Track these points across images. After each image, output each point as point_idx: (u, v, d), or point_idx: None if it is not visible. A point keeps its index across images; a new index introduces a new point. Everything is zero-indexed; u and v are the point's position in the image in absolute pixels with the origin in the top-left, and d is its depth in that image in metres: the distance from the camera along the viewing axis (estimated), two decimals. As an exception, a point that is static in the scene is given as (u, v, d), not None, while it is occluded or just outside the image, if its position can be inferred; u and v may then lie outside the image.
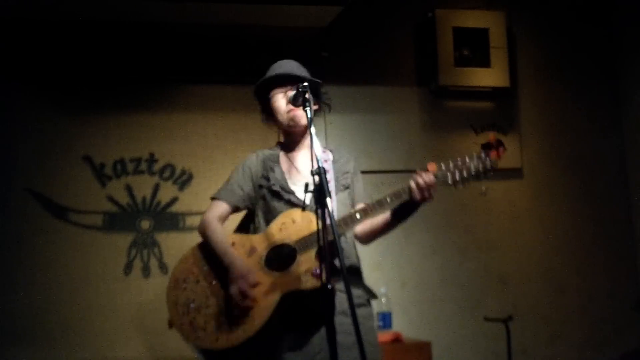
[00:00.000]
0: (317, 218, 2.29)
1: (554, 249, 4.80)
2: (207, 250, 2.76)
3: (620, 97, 5.01)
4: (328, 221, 2.29)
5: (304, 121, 2.72)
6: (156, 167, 4.25)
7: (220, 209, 2.82)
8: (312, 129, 2.43)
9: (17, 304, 3.95)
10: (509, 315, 4.24)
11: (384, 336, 4.20)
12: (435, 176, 2.58)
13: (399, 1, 4.70)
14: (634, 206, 4.92)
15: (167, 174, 4.25)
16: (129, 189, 4.20)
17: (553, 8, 4.99)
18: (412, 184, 2.60)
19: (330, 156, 2.86)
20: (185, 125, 4.30)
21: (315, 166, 2.34)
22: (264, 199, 2.79)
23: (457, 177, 2.56)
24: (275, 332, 2.61)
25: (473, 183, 2.57)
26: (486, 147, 2.61)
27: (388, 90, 4.64)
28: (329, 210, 2.28)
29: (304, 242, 2.63)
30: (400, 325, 4.37)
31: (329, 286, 2.25)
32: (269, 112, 2.85)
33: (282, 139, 2.95)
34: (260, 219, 2.80)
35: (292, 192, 2.74)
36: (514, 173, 4.78)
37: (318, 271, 2.50)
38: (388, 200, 2.64)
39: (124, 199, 4.18)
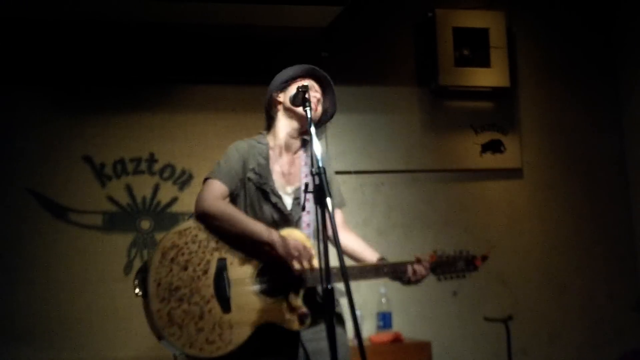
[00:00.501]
0: (318, 239, 2.32)
1: (554, 249, 4.80)
2: (206, 234, 2.59)
3: (620, 97, 5.02)
4: (329, 222, 2.29)
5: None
6: (156, 167, 4.25)
7: (221, 190, 2.62)
8: (312, 129, 2.43)
9: (17, 304, 3.95)
10: (509, 315, 4.23)
11: (384, 336, 4.20)
12: (432, 268, 2.88)
13: (399, 1, 4.70)
14: (634, 206, 4.93)
15: (167, 174, 4.25)
16: (129, 189, 4.20)
17: (553, 8, 4.99)
18: (410, 272, 2.81)
19: (307, 167, 2.79)
20: (185, 125, 4.29)
21: (315, 166, 2.33)
22: (246, 193, 2.69)
23: (444, 271, 2.93)
24: (251, 348, 2.56)
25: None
26: (472, 260, 2.96)
27: (388, 90, 4.64)
28: (329, 211, 2.28)
29: (299, 278, 2.59)
30: (400, 325, 4.37)
31: (329, 286, 2.25)
32: (274, 97, 2.79)
33: (270, 132, 2.83)
34: (243, 211, 2.70)
35: (280, 197, 2.69)
36: (514, 173, 4.79)
37: (303, 317, 2.55)
38: (385, 270, 2.79)
39: (124, 199, 4.18)
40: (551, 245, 4.80)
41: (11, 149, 4.07)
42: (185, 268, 2.55)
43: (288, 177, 2.75)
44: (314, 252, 2.58)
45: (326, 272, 2.27)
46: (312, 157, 2.38)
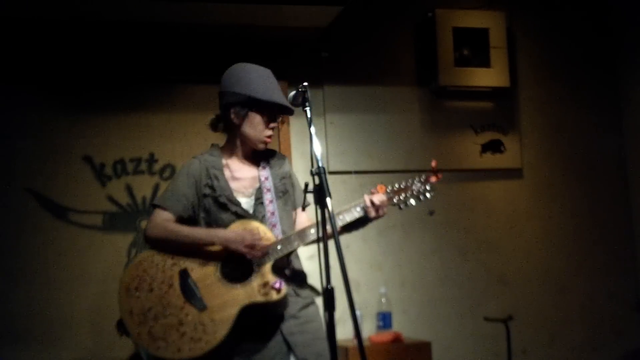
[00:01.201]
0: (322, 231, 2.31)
1: (554, 249, 4.80)
2: (160, 257, 2.72)
3: (620, 97, 5.02)
4: (329, 224, 2.29)
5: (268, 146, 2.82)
6: (156, 167, 4.25)
7: (164, 217, 2.74)
8: (312, 129, 2.43)
9: (17, 304, 3.95)
10: (509, 315, 4.24)
11: (384, 336, 4.20)
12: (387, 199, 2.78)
13: (399, 1, 4.70)
14: (634, 206, 4.93)
15: (167, 174, 4.25)
16: (129, 189, 4.20)
17: (553, 8, 4.99)
18: (368, 202, 2.74)
19: (265, 161, 2.86)
20: (185, 125, 4.29)
21: (315, 166, 2.35)
22: (206, 209, 2.76)
23: (402, 197, 2.82)
24: (233, 341, 2.62)
25: (416, 204, 2.84)
26: (426, 179, 2.85)
27: (388, 90, 4.63)
28: (329, 211, 2.29)
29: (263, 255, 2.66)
30: (400, 325, 4.37)
31: (329, 287, 2.26)
32: (232, 117, 2.79)
33: (223, 144, 2.91)
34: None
35: (238, 204, 2.74)
36: (514, 173, 4.79)
37: (277, 285, 2.61)
38: (341, 218, 2.74)
39: (124, 199, 4.18)
40: (551, 245, 4.80)
41: (11, 149, 4.07)
42: (151, 290, 2.69)
43: (245, 180, 2.81)
44: (261, 233, 2.65)
45: (326, 273, 2.28)
46: (312, 157, 2.39)
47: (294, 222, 2.87)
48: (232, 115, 2.79)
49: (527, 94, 4.89)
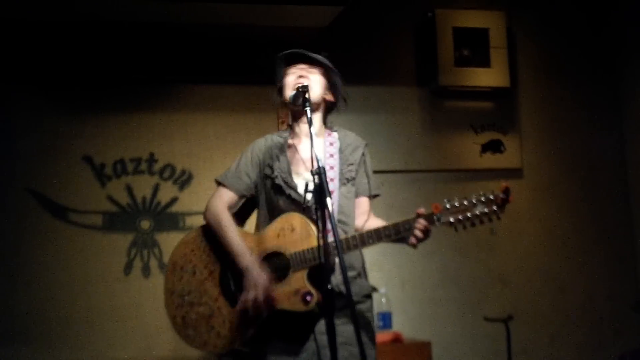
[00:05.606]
0: (318, 232, 2.29)
1: (554, 249, 4.80)
2: (209, 239, 2.68)
3: (620, 97, 5.01)
4: (328, 224, 2.28)
5: (311, 94, 2.58)
6: (156, 167, 4.25)
7: (227, 197, 2.69)
8: (313, 130, 2.42)
9: (17, 304, 3.96)
10: (509, 315, 4.24)
11: (384, 336, 4.20)
12: (438, 219, 2.53)
13: (399, 1, 4.70)
14: (634, 206, 4.92)
15: (167, 174, 4.26)
16: (129, 189, 4.20)
17: (553, 8, 4.99)
18: (416, 226, 2.57)
19: (337, 144, 2.74)
20: (185, 125, 4.29)
21: (316, 166, 2.32)
22: (266, 191, 2.69)
23: (460, 218, 2.51)
24: (260, 342, 2.59)
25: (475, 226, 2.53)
26: (493, 199, 2.51)
27: (388, 90, 4.63)
28: (329, 211, 2.27)
29: (299, 259, 2.54)
30: (400, 325, 4.37)
31: (329, 287, 2.25)
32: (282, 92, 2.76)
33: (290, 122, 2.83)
34: (263, 210, 2.71)
35: (293, 188, 2.63)
36: (514, 173, 4.78)
37: (307, 298, 2.50)
38: (388, 232, 2.63)
39: (124, 199, 4.18)
40: (551, 245, 4.80)
41: (11, 149, 4.07)
42: (194, 273, 2.68)
43: (306, 161, 2.64)
44: (304, 232, 2.53)
45: (326, 272, 2.27)
46: (312, 157, 2.37)
47: (361, 211, 2.75)
48: (277, 90, 2.79)
49: (527, 94, 4.88)
